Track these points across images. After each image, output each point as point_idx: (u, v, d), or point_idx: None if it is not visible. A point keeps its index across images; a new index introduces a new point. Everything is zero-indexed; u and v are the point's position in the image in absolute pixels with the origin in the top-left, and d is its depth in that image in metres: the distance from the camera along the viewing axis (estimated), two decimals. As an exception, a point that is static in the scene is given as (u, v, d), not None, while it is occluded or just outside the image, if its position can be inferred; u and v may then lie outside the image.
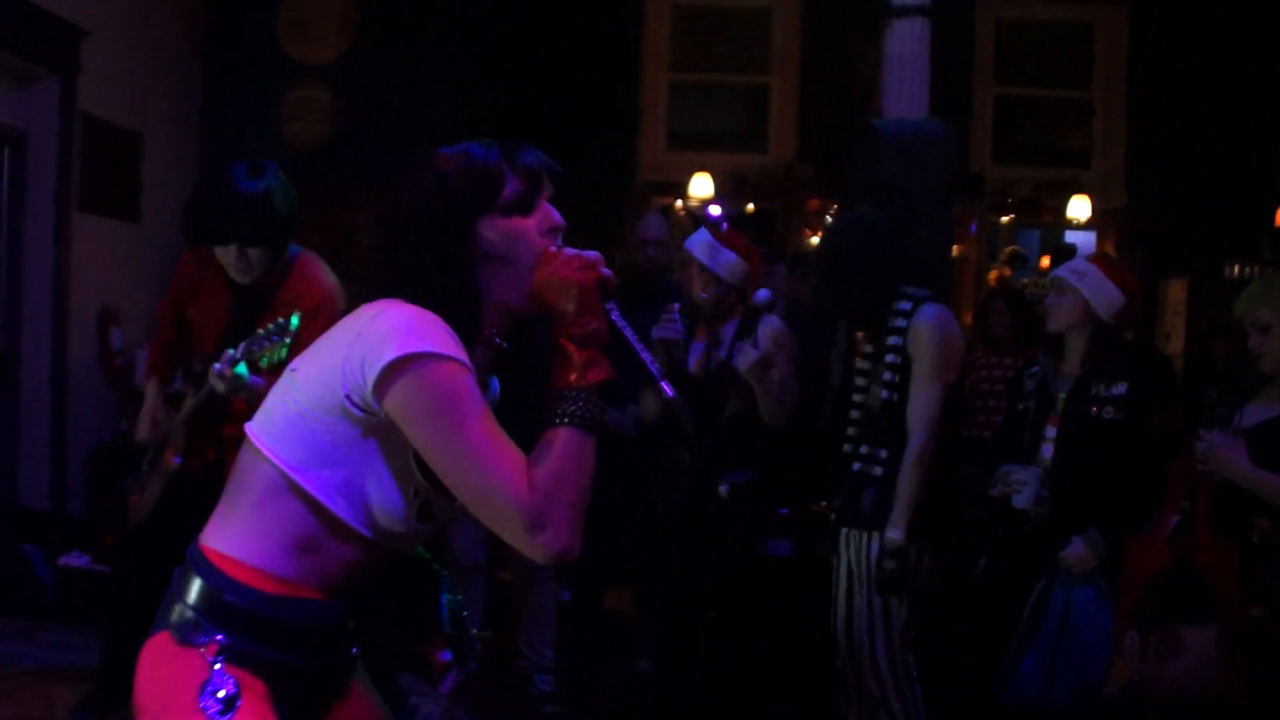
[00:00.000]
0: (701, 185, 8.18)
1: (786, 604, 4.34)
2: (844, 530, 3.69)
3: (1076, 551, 3.45)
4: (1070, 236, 9.03)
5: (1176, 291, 8.02)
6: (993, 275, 8.44)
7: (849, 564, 3.66)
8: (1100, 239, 8.73)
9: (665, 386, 1.76)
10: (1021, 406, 3.74)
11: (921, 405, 3.54)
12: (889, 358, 3.60)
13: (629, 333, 1.77)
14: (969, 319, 7.19)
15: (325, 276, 3.58)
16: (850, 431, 3.76)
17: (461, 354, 1.64)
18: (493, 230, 1.76)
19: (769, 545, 4.61)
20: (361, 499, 1.70)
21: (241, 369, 3.24)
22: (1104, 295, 3.54)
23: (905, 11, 5.05)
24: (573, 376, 1.69)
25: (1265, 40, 8.40)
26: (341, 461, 1.69)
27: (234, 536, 1.73)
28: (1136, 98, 8.53)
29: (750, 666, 4.33)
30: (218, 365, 3.27)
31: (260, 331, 3.21)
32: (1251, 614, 3.02)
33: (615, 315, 1.76)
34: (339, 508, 1.69)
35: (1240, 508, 3.10)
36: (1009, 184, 8.57)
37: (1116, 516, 3.42)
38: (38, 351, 6.17)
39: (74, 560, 5.24)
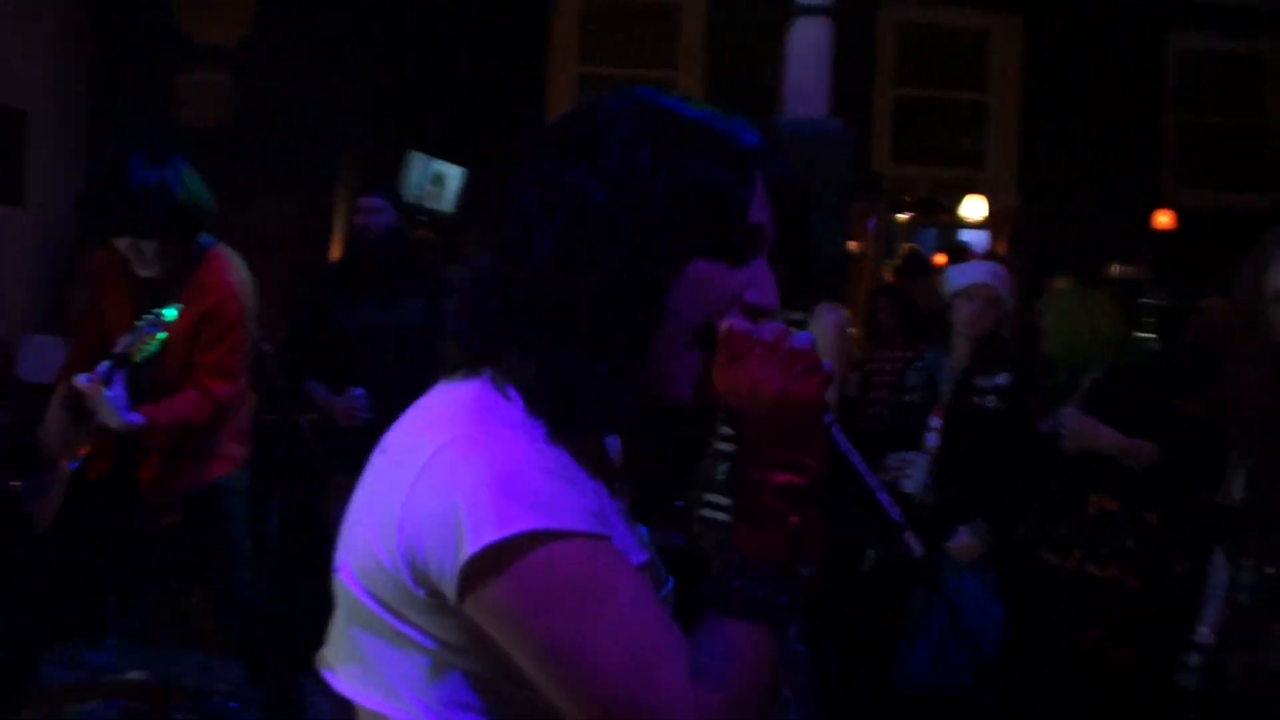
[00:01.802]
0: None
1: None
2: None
3: (962, 541, 3.56)
4: (964, 235, 9.24)
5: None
6: (888, 272, 8.59)
7: None
8: (993, 238, 8.95)
9: (911, 540, 1.19)
10: (907, 399, 3.85)
11: None
12: None
13: (859, 463, 1.16)
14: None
15: (232, 273, 3.43)
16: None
17: (590, 508, 1.05)
18: (697, 277, 1.11)
19: (661, 537, 4.64)
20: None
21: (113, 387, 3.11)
22: (1011, 298, 3.72)
23: (808, 10, 5.12)
24: (770, 543, 1.10)
25: (1150, 49, 8.71)
26: (435, 674, 1.08)
27: None
28: (1030, 102, 8.75)
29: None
30: (84, 377, 3.11)
31: (138, 323, 3.12)
32: (1106, 574, 3.22)
33: (840, 439, 1.14)
34: None
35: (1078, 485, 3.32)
36: (907, 183, 8.73)
37: (1000, 506, 3.54)
38: (-89, 340, 5.97)
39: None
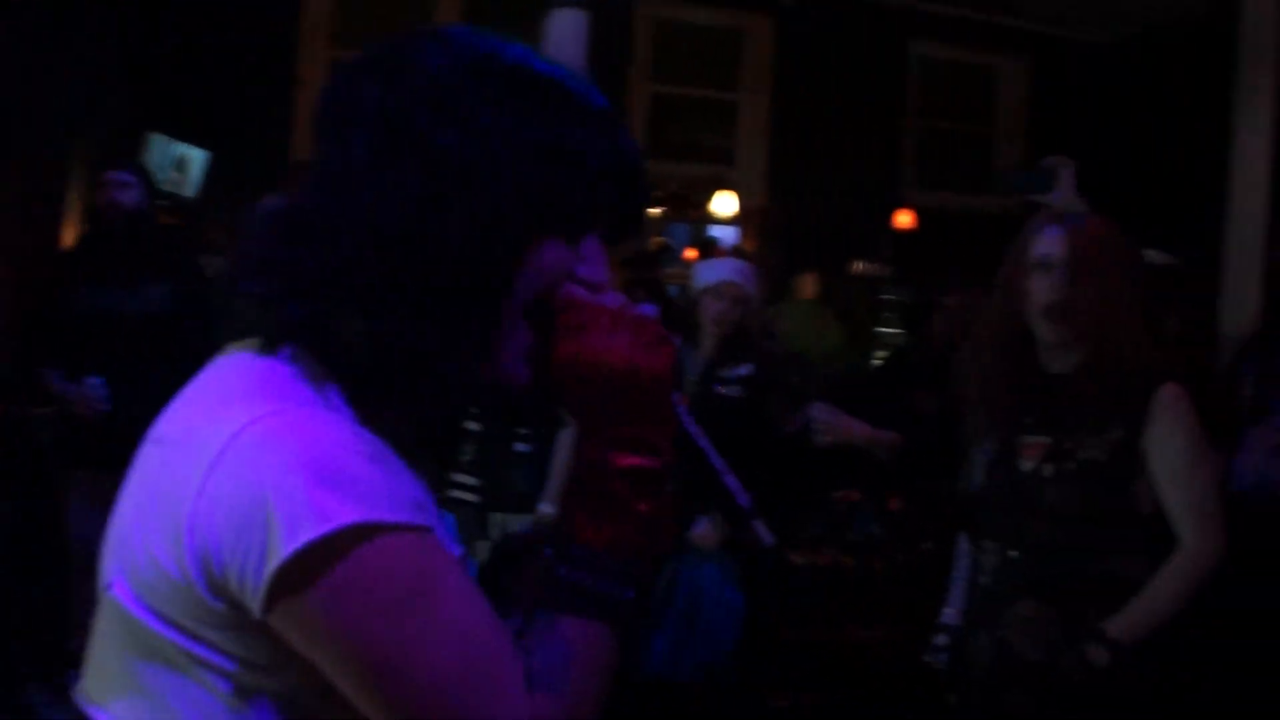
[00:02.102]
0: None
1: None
2: (495, 514, 3.66)
3: (701, 530, 3.59)
4: (714, 231, 9.44)
5: (809, 285, 8.52)
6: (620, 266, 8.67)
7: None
8: (742, 234, 9.17)
9: (760, 529, 1.18)
10: None
11: None
12: None
13: (707, 446, 1.13)
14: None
15: None
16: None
17: (413, 497, 0.91)
18: (538, 248, 0.98)
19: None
20: None
21: None
22: (758, 295, 3.80)
23: (565, 2, 5.09)
24: (616, 535, 0.99)
25: (893, 56, 9.13)
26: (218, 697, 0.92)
27: None
28: (779, 102, 9.00)
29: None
30: None
31: None
32: (845, 563, 3.35)
33: (688, 421, 1.10)
34: None
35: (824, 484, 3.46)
36: (660, 178, 8.84)
37: (739, 495, 3.60)
38: None
39: None
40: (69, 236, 7.00)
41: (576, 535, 0.97)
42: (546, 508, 3.50)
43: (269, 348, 0.94)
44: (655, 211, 9.05)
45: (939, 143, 9.48)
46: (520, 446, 3.61)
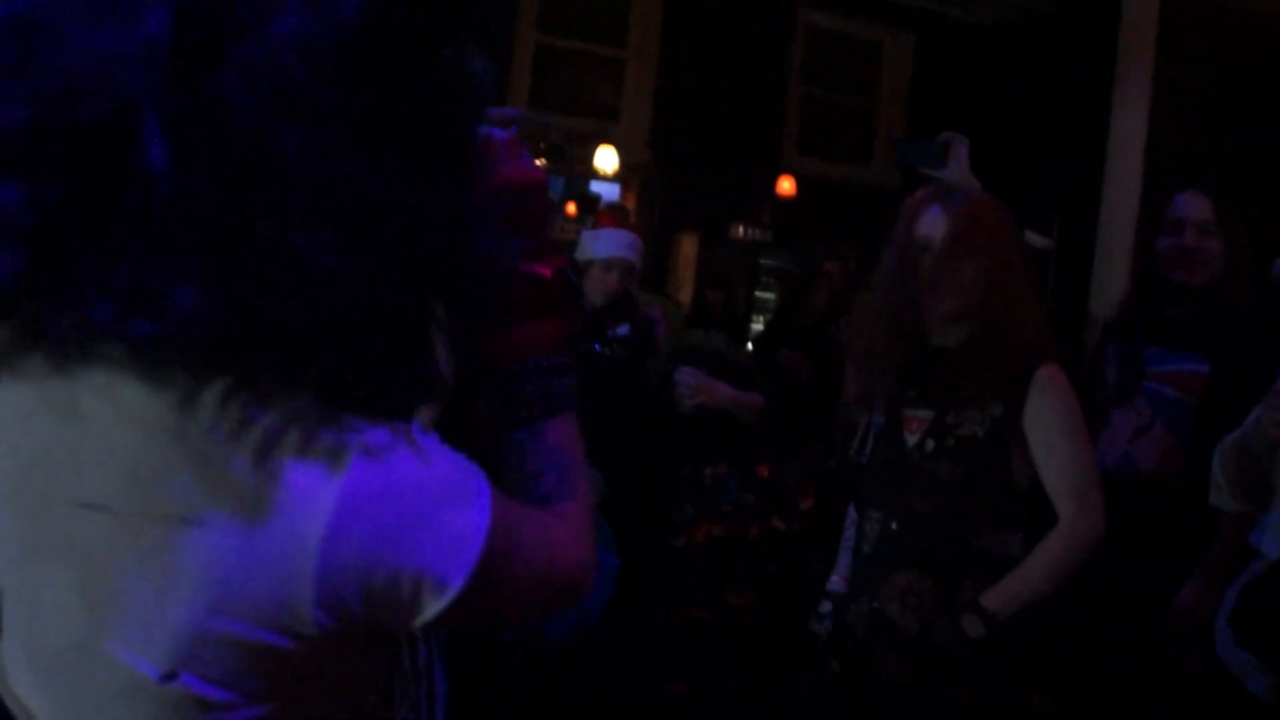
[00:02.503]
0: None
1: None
2: None
3: None
4: (595, 187, 9.34)
5: (688, 246, 8.50)
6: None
7: None
8: (624, 191, 9.09)
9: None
10: (609, 352, 3.84)
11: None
12: None
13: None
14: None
15: None
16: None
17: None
18: None
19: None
20: None
21: None
22: (639, 261, 3.76)
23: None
24: (540, 331, 1.05)
25: (781, 23, 9.12)
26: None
27: None
28: (666, 61, 8.93)
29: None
30: None
31: None
32: (715, 533, 3.35)
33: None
34: None
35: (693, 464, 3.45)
36: (539, 132, 8.69)
37: (613, 456, 3.57)
38: None
39: None
40: None
41: (520, 352, 1.04)
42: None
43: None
44: (537, 163, 8.90)
45: (823, 112, 9.53)
46: None
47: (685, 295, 8.61)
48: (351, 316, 0.80)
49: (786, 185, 8.80)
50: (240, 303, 0.75)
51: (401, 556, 0.83)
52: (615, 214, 4.61)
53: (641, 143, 8.93)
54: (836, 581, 2.49)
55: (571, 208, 9.06)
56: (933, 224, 2.27)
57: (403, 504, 0.83)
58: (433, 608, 0.85)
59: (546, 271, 1.06)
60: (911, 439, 2.27)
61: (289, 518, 0.80)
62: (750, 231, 8.47)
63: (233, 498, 0.80)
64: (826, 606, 2.46)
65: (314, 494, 0.80)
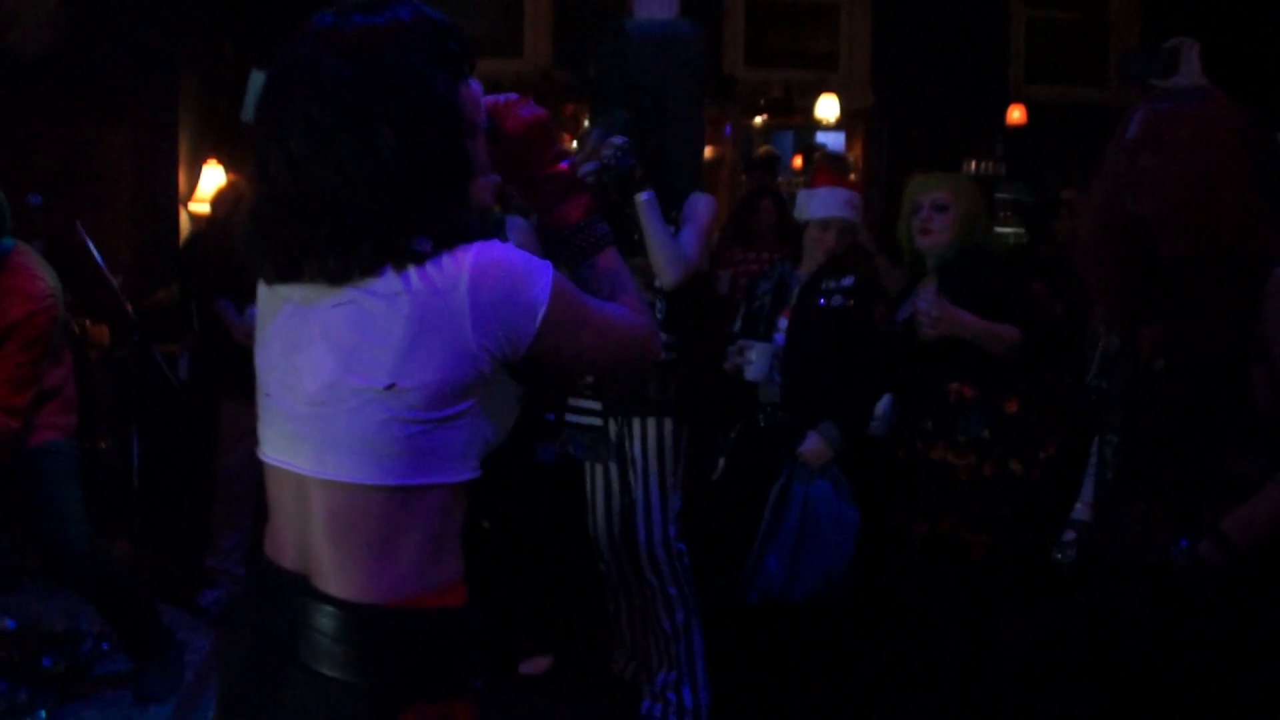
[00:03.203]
0: (459, 89, 7.98)
1: (557, 509, 4.36)
2: (620, 421, 3.70)
3: (812, 445, 3.57)
4: (820, 137, 9.28)
5: (919, 189, 8.38)
6: (743, 175, 8.60)
7: (633, 454, 3.68)
8: (848, 138, 9.02)
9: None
10: (756, 305, 3.87)
11: (692, 224, 3.63)
12: None
13: None
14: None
15: (41, 280, 3.35)
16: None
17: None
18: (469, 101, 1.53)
19: (539, 451, 4.62)
20: (482, 443, 1.50)
21: None
22: (859, 215, 3.78)
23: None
24: (576, 205, 1.64)
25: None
26: (465, 430, 1.46)
27: (413, 573, 1.46)
28: (881, 1, 8.77)
29: (534, 573, 4.32)
30: None
31: None
32: (956, 463, 3.28)
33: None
34: (467, 474, 1.49)
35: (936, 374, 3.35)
36: (761, 86, 8.71)
37: (848, 405, 3.58)
38: None
39: None
40: (183, 179, 7.22)
41: (565, 220, 1.64)
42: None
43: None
44: (758, 121, 8.93)
45: (1050, 34, 9.12)
46: (667, 355, 3.57)
47: (917, 238, 8.49)
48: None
49: (1017, 114, 8.52)
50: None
51: (511, 288, 1.42)
52: (831, 169, 4.60)
53: (863, 87, 8.82)
54: (1081, 509, 2.44)
55: (798, 160, 9.06)
56: (1132, 126, 2.20)
57: (505, 263, 1.43)
58: (534, 322, 1.43)
59: (564, 168, 1.65)
60: (1145, 357, 2.21)
61: (447, 281, 1.40)
62: (982, 166, 8.24)
63: (418, 278, 1.40)
64: (1070, 535, 2.43)
65: (457, 267, 1.41)
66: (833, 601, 3.57)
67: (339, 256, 1.41)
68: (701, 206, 3.67)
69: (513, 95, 1.62)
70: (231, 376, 4.51)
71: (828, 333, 3.63)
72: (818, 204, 3.78)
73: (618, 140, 3.47)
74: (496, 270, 1.42)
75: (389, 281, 1.41)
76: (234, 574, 4.64)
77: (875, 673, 3.63)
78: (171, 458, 5.16)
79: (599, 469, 3.78)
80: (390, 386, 1.40)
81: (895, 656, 3.57)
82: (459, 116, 1.46)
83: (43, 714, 3.30)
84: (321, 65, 1.40)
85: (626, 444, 3.68)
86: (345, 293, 1.43)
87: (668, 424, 3.63)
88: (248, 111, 7.17)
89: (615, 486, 3.75)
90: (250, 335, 4.34)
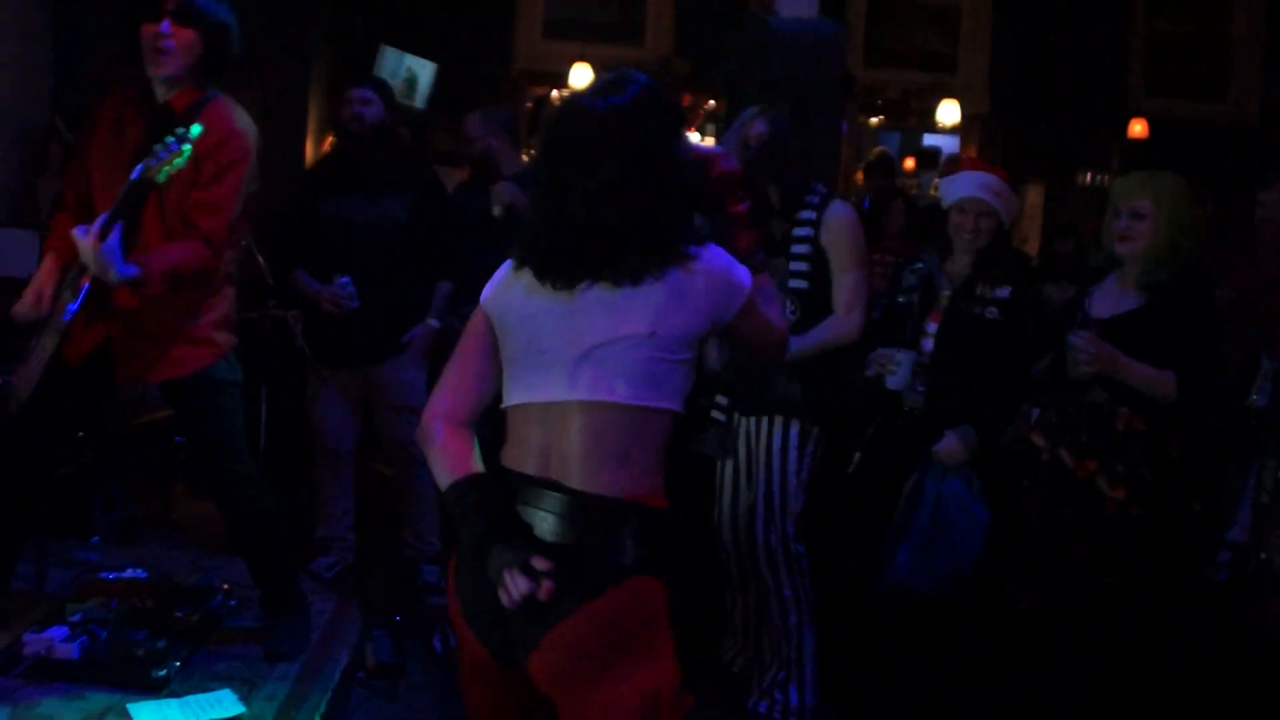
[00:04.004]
0: (580, 75, 8.06)
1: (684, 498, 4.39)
2: (746, 419, 3.74)
3: (949, 445, 3.58)
4: (931, 140, 9.23)
5: (1033, 196, 8.29)
6: (858, 175, 8.58)
7: (748, 454, 3.72)
8: (963, 143, 8.95)
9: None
10: (903, 300, 3.84)
11: (851, 289, 3.61)
12: (798, 249, 3.62)
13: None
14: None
15: (237, 116, 3.36)
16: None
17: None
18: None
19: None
20: (689, 388, 2.03)
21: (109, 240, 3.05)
22: (1010, 208, 3.70)
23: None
24: (751, 237, 2.12)
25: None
26: (689, 374, 2.01)
27: (642, 477, 1.96)
28: (1001, 6, 8.69)
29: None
30: (80, 230, 3.05)
31: (157, 146, 3.04)
32: (1114, 496, 3.23)
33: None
34: (679, 407, 2.01)
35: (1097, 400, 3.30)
36: (877, 86, 8.67)
37: (988, 412, 3.58)
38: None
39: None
40: (309, 144, 7.36)
41: (741, 246, 2.09)
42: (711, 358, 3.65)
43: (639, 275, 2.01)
44: (873, 121, 8.90)
45: (1172, 47, 8.97)
46: None
47: (1032, 247, 8.40)
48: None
49: (1138, 128, 8.39)
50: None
51: (729, 276, 1.99)
52: (975, 158, 4.54)
53: (980, 93, 8.75)
54: (1236, 531, 2.44)
55: (910, 162, 9.02)
56: None
57: (724, 259, 2.00)
58: (741, 298, 1.99)
59: (743, 209, 2.12)
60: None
61: (696, 267, 1.96)
62: (1099, 177, 8.14)
63: (668, 268, 1.95)
64: (1225, 556, 2.43)
65: (699, 259, 1.96)
66: (957, 596, 3.59)
67: (640, 262, 1.93)
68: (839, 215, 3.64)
69: (718, 149, 2.17)
70: (320, 345, 4.60)
71: (977, 342, 3.60)
72: (956, 187, 3.75)
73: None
74: (722, 263, 2.00)
75: (658, 269, 1.96)
76: (346, 540, 4.73)
77: (984, 671, 3.64)
78: (290, 424, 5.26)
79: (727, 464, 3.81)
80: (652, 333, 1.92)
81: (1009, 658, 3.58)
82: (689, 164, 2.01)
83: (177, 664, 3.38)
84: (596, 143, 1.92)
85: (752, 441, 3.71)
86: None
87: (794, 424, 3.65)
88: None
89: (741, 482, 3.77)
90: (337, 303, 4.42)
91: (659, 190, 1.94)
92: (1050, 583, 3.44)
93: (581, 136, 1.95)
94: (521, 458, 2.00)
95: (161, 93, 3.32)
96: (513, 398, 2.05)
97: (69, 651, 3.27)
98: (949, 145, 9.03)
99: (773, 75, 4.16)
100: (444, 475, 1.98)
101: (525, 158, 5.10)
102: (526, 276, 2.03)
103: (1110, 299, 3.45)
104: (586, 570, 1.88)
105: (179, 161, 3.04)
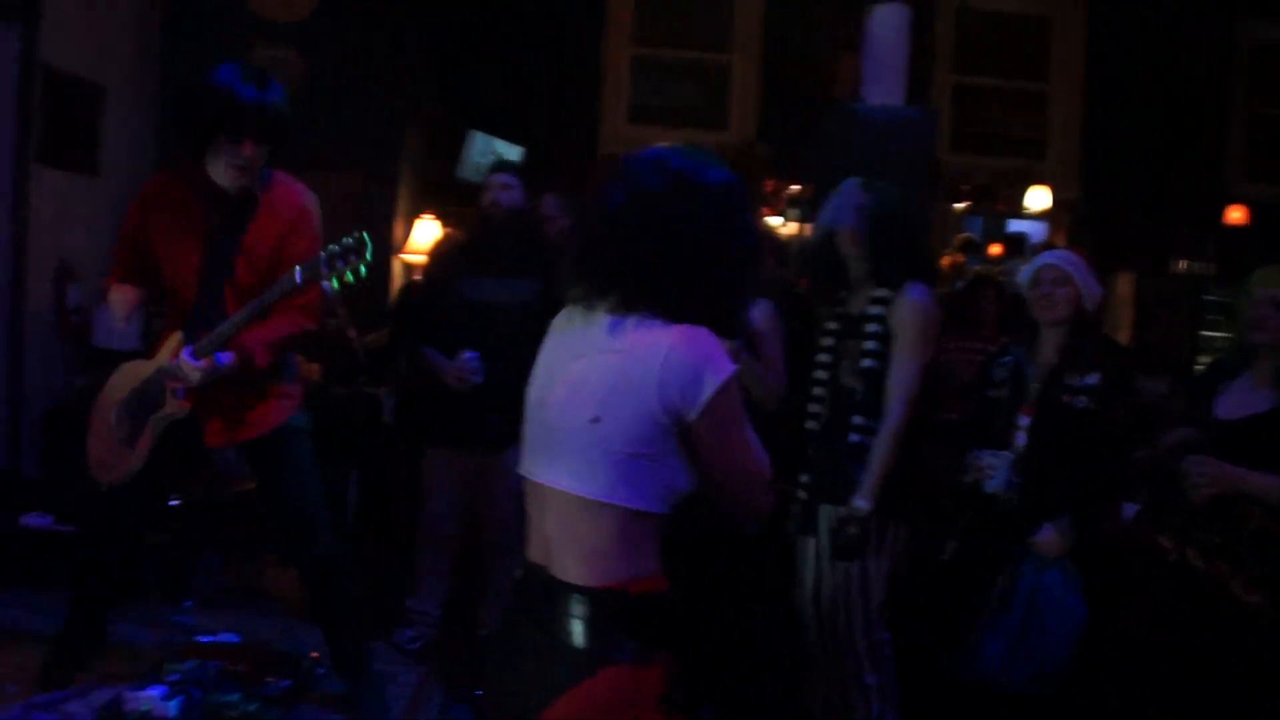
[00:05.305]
0: (665, 160, 8.18)
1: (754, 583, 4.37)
2: (824, 507, 3.71)
3: (1048, 536, 3.50)
4: (1018, 226, 9.19)
5: (1124, 284, 8.19)
6: (945, 261, 8.56)
7: (832, 536, 3.68)
8: (1052, 229, 8.89)
9: None
10: (994, 394, 3.78)
11: (903, 379, 3.53)
12: (870, 328, 3.58)
13: None
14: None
15: (303, 191, 3.56)
16: (816, 408, 3.75)
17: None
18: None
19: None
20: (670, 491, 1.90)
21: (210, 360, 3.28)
22: (1090, 287, 3.64)
23: (884, -5, 5.10)
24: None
25: (1216, 41, 8.62)
26: (663, 471, 1.87)
27: (630, 568, 1.89)
28: (1092, 91, 8.68)
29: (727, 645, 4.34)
30: (183, 360, 3.32)
31: (323, 254, 3.22)
32: (1250, 600, 3.13)
33: None
34: (665, 508, 1.90)
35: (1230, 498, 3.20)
36: (965, 172, 8.69)
37: (1086, 503, 3.50)
38: (-7, 306, 6.05)
39: (35, 520, 5.06)
40: (398, 227, 7.57)
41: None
42: (862, 502, 3.51)
43: (628, 309, 1.91)
44: (959, 207, 8.90)
45: (1272, 131, 8.85)
46: (854, 438, 3.57)
47: (1124, 336, 8.28)
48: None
49: (1236, 215, 8.25)
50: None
51: (695, 365, 1.82)
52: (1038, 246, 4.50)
53: (1070, 178, 8.71)
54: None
55: (995, 248, 8.98)
56: None
57: (699, 346, 1.84)
58: (704, 395, 1.82)
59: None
60: None
61: (650, 351, 1.83)
62: (1193, 265, 8.02)
63: (625, 345, 1.86)
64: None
65: (659, 341, 1.84)
66: (1047, 693, 3.50)
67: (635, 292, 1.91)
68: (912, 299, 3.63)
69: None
70: (436, 424, 4.68)
71: (1070, 432, 3.54)
72: (1029, 266, 3.72)
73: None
74: (691, 353, 1.85)
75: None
76: (431, 615, 4.77)
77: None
78: (380, 497, 5.36)
79: (809, 545, 3.77)
80: (595, 419, 1.89)
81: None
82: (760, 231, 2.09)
83: (268, 727, 3.46)
84: (665, 210, 1.91)
85: (834, 527, 3.67)
86: None
87: (874, 516, 3.61)
88: (463, 169, 7.53)
89: (824, 566, 3.72)
90: (462, 378, 4.51)
91: (737, 261, 1.94)
92: (1158, 685, 3.34)
93: (651, 208, 1.93)
94: (530, 534, 2.03)
95: (231, 179, 3.46)
96: (521, 462, 2.09)
97: (167, 710, 3.37)
98: (1035, 232, 8.98)
99: (859, 161, 4.20)
100: None
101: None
102: (563, 318, 2.04)
103: (1241, 398, 3.35)
104: (567, 658, 1.86)
105: (361, 269, 3.23)
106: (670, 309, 1.87)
